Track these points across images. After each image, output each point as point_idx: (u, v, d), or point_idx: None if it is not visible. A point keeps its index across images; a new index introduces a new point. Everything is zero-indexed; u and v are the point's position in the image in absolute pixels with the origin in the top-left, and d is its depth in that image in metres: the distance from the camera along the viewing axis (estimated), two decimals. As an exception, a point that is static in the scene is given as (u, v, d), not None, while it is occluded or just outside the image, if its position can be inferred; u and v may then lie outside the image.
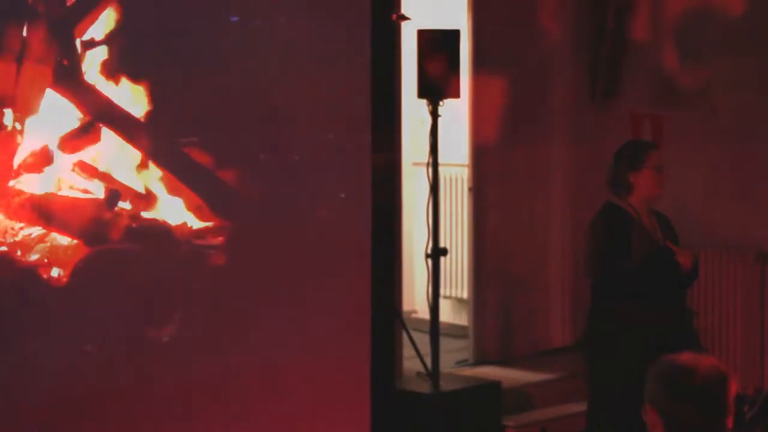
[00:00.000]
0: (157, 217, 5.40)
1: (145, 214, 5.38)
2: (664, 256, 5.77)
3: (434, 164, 6.72)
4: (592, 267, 5.83)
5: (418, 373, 6.81)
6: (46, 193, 5.21)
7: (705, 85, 7.63)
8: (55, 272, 5.15)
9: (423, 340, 6.80)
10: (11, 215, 5.13)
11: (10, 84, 5.06)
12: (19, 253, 5.09)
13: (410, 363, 6.92)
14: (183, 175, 5.44)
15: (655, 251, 5.78)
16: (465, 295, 8.11)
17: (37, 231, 5.17)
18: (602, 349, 5.86)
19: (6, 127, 5.10)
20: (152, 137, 5.35)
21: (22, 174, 5.18)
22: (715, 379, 3.37)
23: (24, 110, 5.14)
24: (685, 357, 3.42)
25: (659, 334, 5.61)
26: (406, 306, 8.04)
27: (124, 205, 5.34)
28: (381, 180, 6.12)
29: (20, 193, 5.16)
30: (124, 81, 5.32)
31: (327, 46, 5.73)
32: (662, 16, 7.91)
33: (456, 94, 6.72)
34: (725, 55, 7.62)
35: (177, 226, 5.43)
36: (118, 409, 5.19)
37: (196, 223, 5.47)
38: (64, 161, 5.29)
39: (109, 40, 5.29)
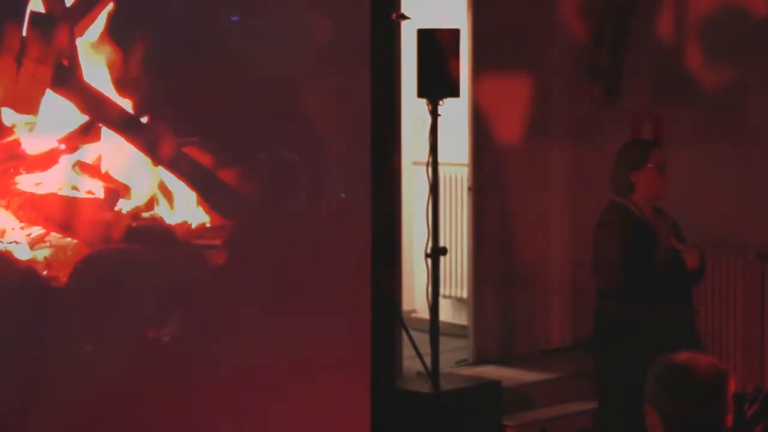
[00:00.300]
0: (157, 217, 5.40)
1: (145, 214, 5.39)
2: (671, 255, 5.79)
3: (434, 164, 6.72)
4: (617, 275, 5.79)
5: (418, 373, 6.81)
6: (47, 193, 5.21)
7: (709, 85, 7.64)
8: (55, 272, 5.16)
9: (423, 340, 6.79)
10: (12, 215, 5.14)
11: (10, 84, 5.06)
12: (19, 253, 5.10)
13: (410, 362, 6.92)
14: (183, 174, 5.45)
15: (664, 251, 5.80)
16: (465, 294, 8.11)
17: (37, 231, 5.18)
18: (610, 349, 5.86)
19: (6, 127, 5.11)
20: (152, 137, 5.36)
21: (22, 174, 5.19)
22: (714, 377, 3.38)
23: (24, 110, 5.14)
24: (684, 356, 3.43)
25: (666, 333, 5.61)
26: (406, 306, 8.04)
27: (124, 205, 5.35)
28: (381, 180, 6.12)
29: (21, 193, 5.17)
30: (124, 80, 5.33)
31: (327, 46, 5.73)
32: (665, 16, 7.92)
33: (456, 94, 6.72)
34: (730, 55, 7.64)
35: (177, 225, 5.43)
36: (117, 410, 5.19)
37: (196, 223, 5.48)
38: (64, 161, 5.29)
39: (109, 38, 5.31)
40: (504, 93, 7.75)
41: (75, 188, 5.30)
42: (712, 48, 7.67)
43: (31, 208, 5.14)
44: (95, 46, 5.30)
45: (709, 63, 7.66)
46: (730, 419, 3.39)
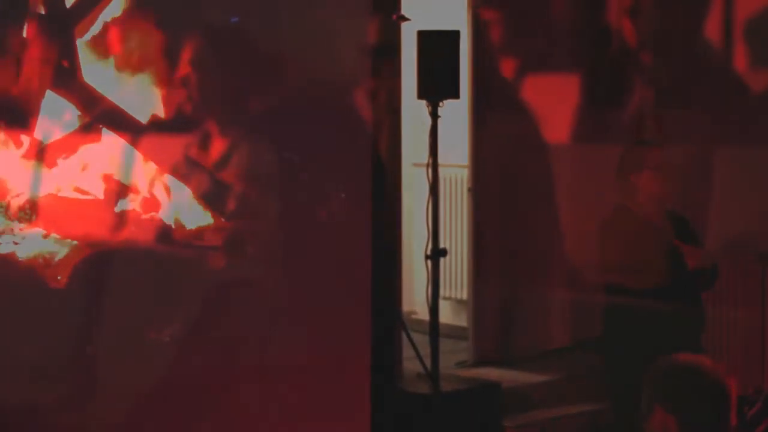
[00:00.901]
0: (157, 218, 5.40)
1: (145, 215, 5.38)
2: (677, 256, 5.81)
3: (434, 165, 6.72)
4: (622, 276, 5.80)
5: (418, 374, 6.81)
6: (47, 194, 5.21)
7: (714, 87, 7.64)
8: (55, 273, 5.15)
9: (423, 341, 6.79)
10: (11, 216, 5.13)
11: (10, 85, 5.06)
12: (19, 253, 5.09)
13: (410, 364, 6.92)
14: (184, 175, 5.44)
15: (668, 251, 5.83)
16: (465, 296, 8.11)
17: (37, 231, 5.17)
18: (621, 349, 5.87)
19: (6, 128, 5.11)
20: (152, 137, 5.35)
21: (22, 175, 5.18)
22: (717, 376, 3.39)
23: (24, 111, 5.14)
24: (686, 357, 3.45)
25: (672, 333, 5.63)
26: (406, 307, 8.04)
27: (124, 206, 5.34)
28: (381, 180, 6.12)
29: (21, 194, 5.16)
30: (123, 79, 5.33)
31: (327, 46, 5.72)
32: (668, 17, 7.92)
33: (456, 95, 6.72)
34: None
35: (177, 226, 5.43)
36: (117, 410, 5.19)
37: (196, 224, 5.47)
38: (64, 162, 5.29)
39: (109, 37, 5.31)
40: (503, 94, 7.75)
41: (75, 189, 5.30)
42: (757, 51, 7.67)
43: (31, 209, 5.14)
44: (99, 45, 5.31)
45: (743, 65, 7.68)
46: (733, 419, 3.40)
